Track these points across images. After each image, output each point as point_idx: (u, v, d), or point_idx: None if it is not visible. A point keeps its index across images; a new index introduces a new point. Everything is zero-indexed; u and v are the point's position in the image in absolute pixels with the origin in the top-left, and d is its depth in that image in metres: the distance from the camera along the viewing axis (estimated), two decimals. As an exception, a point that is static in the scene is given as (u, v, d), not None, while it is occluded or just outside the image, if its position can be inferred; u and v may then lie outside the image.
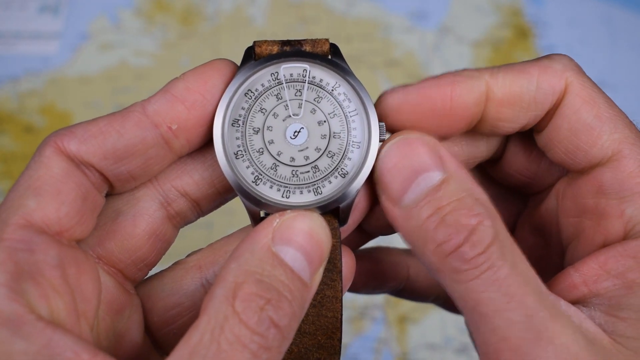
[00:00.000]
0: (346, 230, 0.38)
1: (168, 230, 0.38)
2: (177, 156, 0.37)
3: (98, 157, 0.35)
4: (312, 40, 0.37)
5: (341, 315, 0.37)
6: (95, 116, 0.36)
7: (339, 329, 0.37)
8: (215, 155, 0.36)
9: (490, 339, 0.33)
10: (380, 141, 0.36)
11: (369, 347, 0.69)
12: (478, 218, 0.33)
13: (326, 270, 0.36)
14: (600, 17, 0.79)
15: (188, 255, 0.40)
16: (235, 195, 0.37)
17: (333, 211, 0.36)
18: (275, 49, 0.37)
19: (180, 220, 0.39)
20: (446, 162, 0.34)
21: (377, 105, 0.37)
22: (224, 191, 0.38)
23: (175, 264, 0.39)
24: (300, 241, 0.33)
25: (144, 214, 0.37)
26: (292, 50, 0.37)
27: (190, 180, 0.38)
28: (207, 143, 0.37)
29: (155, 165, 0.36)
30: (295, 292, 0.33)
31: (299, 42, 0.37)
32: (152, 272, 0.39)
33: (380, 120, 0.36)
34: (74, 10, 0.77)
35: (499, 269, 0.32)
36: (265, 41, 0.37)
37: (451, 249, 0.33)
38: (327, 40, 0.37)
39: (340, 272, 0.37)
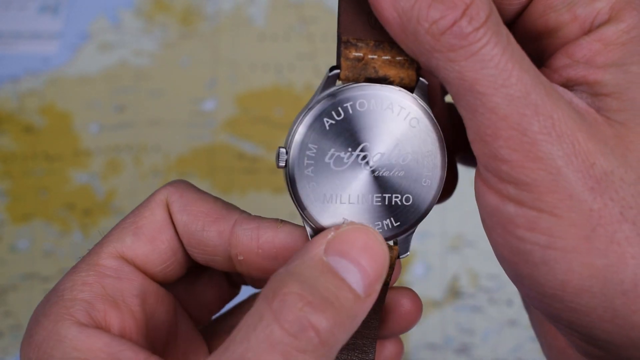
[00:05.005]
0: None
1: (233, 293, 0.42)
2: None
3: (181, 231, 0.38)
4: None
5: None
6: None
7: None
8: None
9: (490, 119, 0.31)
10: None
11: (369, 347, 0.69)
12: None
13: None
14: None
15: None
16: None
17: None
18: None
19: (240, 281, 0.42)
20: None
21: None
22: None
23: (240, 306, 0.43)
24: (354, 254, 0.31)
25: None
26: None
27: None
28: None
29: (220, 267, 0.39)
30: (344, 301, 0.30)
31: None
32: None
33: None
34: (74, 10, 0.77)
35: (496, 45, 0.31)
36: None
37: (448, 25, 0.31)
38: None
39: (382, 306, 0.35)
